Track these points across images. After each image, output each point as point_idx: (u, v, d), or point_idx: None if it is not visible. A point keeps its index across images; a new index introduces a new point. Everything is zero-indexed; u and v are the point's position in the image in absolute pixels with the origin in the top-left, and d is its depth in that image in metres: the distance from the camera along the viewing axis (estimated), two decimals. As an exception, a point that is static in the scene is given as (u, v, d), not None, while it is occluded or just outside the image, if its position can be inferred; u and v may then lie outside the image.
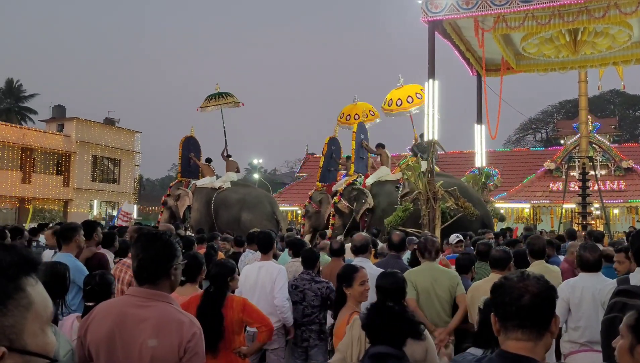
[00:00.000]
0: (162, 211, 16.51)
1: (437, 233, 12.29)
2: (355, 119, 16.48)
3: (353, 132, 14.55)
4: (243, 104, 17.57)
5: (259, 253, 5.70)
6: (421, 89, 14.96)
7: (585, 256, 4.50)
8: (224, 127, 17.13)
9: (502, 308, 1.76)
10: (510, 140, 55.67)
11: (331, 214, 13.87)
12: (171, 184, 17.44)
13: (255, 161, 53.67)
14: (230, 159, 16.69)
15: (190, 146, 17.31)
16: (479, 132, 18.49)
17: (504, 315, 1.76)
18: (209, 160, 17.06)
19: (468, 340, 4.32)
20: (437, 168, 13.58)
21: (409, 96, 15.52)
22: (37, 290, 0.81)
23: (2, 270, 0.76)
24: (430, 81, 14.00)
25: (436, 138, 13.73)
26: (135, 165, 39.38)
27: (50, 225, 12.91)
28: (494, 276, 4.63)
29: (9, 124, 34.11)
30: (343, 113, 17.16)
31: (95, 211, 34.39)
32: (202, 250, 7.21)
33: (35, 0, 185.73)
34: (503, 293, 1.78)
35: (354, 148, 14.33)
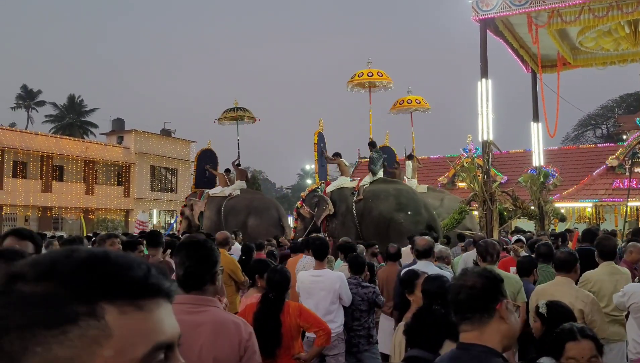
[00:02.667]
0: (181, 221, 17.41)
1: (495, 235, 12.06)
2: (402, 104, 17.51)
3: (314, 143, 14.94)
4: (259, 120, 18.72)
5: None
6: (383, 73, 16.18)
7: None
8: (238, 139, 18.22)
9: None
10: (568, 137, 53.75)
11: (294, 218, 14.54)
12: (187, 195, 18.69)
13: (307, 167, 54.08)
14: (240, 168, 17.53)
15: (206, 158, 18.47)
16: (536, 131, 18.03)
17: None
18: (227, 171, 17.86)
19: (531, 346, 4.21)
20: (380, 175, 13.58)
21: (370, 72, 16.11)
22: (124, 321, 0.65)
23: (75, 288, 0.62)
24: (483, 80, 13.77)
25: (491, 137, 13.49)
26: (192, 174, 40.30)
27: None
28: (560, 280, 4.47)
29: (72, 138, 35.68)
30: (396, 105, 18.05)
31: (154, 220, 35.43)
32: (260, 256, 7.34)
33: (90, 19, 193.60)
34: None
35: (316, 158, 14.78)
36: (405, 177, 15.67)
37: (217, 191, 16.87)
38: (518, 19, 14.38)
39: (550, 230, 14.48)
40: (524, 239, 7.37)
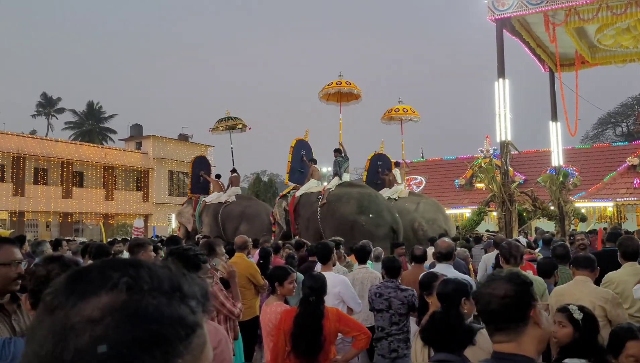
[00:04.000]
0: (179, 227, 18.06)
1: (515, 235, 11.96)
2: (391, 113, 17.80)
3: (291, 147, 15.30)
4: (250, 128, 19.18)
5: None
6: (353, 84, 16.38)
7: None
8: (232, 148, 18.81)
9: None
10: (588, 136, 53.07)
11: (272, 223, 15.02)
12: (183, 202, 19.18)
13: (324, 170, 54.18)
14: (234, 175, 17.87)
15: (201, 165, 19.09)
16: (554, 130, 17.86)
17: None
18: (218, 176, 18.37)
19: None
20: (346, 178, 13.62)
21: (339, 82, 16.31)
22: (207, 329, 0.71)
23: (187, 299, 0.67)
24: (500, 80, 13.69)
25: (509, 138, 13.40)
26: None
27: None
28: (579, 279, 4.43)
29: (91, 144, 36.15)
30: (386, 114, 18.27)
31: (173, 225, 35.64)
32: (278, 260, 7.36)
33: (107, 26, 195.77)
34: None
35: (290, 161, 15.19)
36: (396, 183, 15.71)
37: (213, 197, 17.31)
38: (535, 17, 14.27)
39: (570, 230, 14.32)
40: (522, 241, 7.33)
